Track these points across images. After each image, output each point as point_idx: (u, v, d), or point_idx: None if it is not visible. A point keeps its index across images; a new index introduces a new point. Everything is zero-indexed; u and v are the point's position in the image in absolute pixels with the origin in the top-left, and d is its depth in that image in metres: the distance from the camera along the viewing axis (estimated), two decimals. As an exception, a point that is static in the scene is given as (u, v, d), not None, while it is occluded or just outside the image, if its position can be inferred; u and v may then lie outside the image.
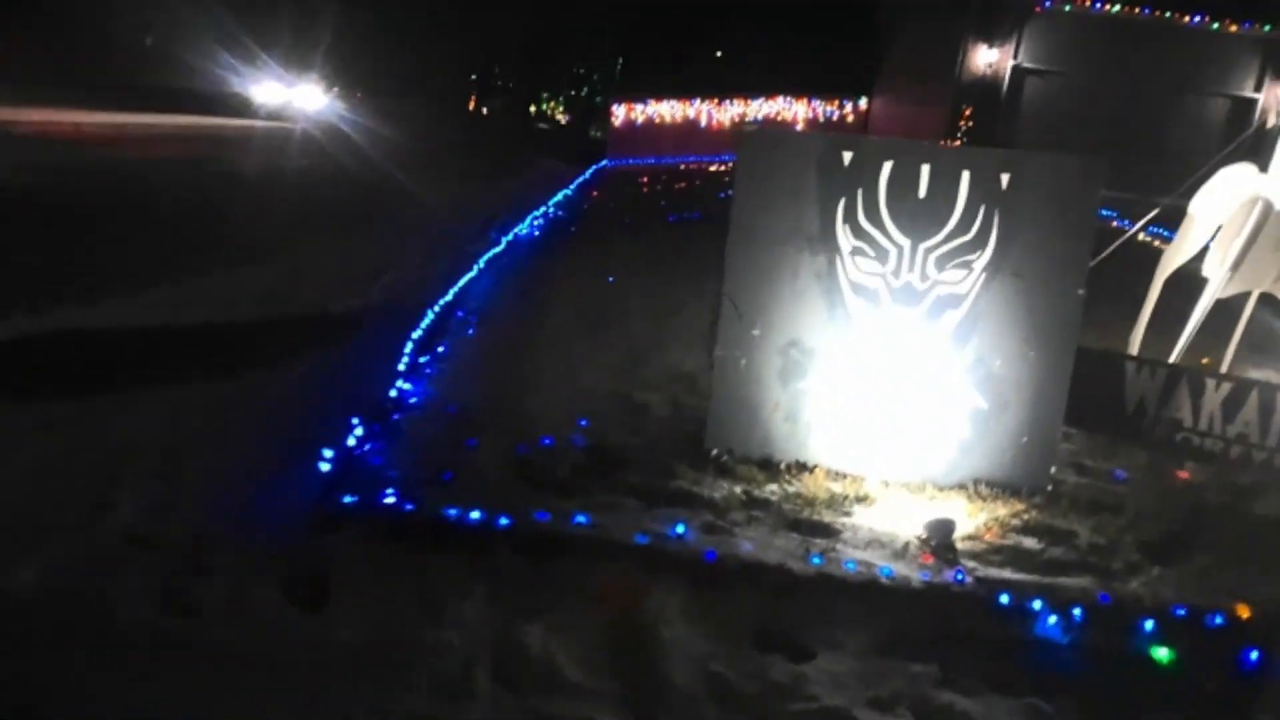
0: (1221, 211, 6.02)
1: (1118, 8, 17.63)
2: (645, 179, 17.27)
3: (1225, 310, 6.18)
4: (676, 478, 4.67)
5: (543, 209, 12.49)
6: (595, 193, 15.66)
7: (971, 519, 4.51)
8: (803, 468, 4.86)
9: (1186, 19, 17.71)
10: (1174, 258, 6.37)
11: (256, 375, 5.71)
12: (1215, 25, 17.85)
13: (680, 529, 4.15)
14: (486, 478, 4.49)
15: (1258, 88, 18.39)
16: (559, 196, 13.94)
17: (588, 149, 19.94)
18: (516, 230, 10.81)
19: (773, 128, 18.14)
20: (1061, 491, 4.83)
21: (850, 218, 4.69)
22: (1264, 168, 5.96)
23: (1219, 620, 3.83)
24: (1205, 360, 6.38)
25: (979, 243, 4.65)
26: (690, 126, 19.16)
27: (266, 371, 5.78)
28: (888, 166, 4.62)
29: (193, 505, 4.10)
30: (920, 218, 4.65)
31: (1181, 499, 4.89)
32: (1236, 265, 5.84)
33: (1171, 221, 7.11)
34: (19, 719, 2.87)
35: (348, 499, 4.09)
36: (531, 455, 4.76)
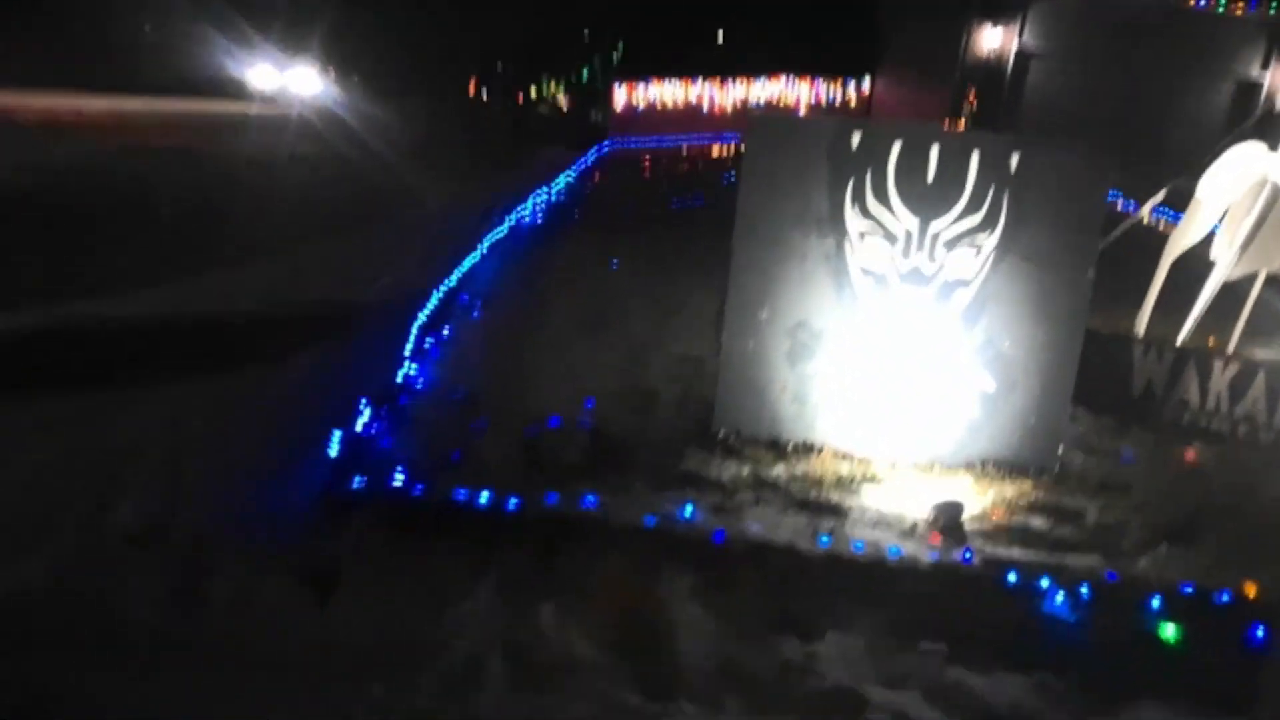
0: (1230, 193, 6.00)
1: (1123, -12, 17.49)
2: (647, 161, 17.20)
3: (1231, 292, 6.17)
4: (684, 459, 4.68)
5: (544, 193, 12.44)
6: (597, 176, 15.60)
7: (979, 499, 4.53)
8: (810, 449, 4.87)
9: (1192, 1, 17.58)
10: (1181, 240, 6.35)
11: (259, 369, 5.65)
12: (1221, 7, 17.72)
13: (689, 510, 4.17)
14: (495, 460, 4.50)
15: (1264, 68, 18.27)
16: (561, 181, 13.88)
17: (588, 131, 19.83)
18: (520, 215, 10.77)
19: (778, 111, 18.04)
20: (1069, 472, 4.85)
21: (859, 200, 4.68)
22: (1274, 146, 5.93)
23: (1226, 598, 3.86)
24: (1212, 342, 6.37)
25: (988, 224, 4.65)
26: (692, 108, 19.05)
27: (269, 366, 5.71)
28: (897, 149, 4.61)
29: (201, 497, 4.11)
30: (929, 200, 4.64)
31: (1189, 479, 4.91)
32: (1245, 246, 5.83)
33: (1173, 204, 7.11)
34: (25, 717, 2.87)
35: (358, 481, 4.11)
36: (539, 438, 4.77)
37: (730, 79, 19.26)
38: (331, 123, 17.20)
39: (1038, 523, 4.36)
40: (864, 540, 4.06)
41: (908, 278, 4.72)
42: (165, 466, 4.30)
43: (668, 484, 4.41)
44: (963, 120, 18.11)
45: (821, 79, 19.40)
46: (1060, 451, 4.91)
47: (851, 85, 19.57)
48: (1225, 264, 5.96)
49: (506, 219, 10.20)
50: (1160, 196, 6.73)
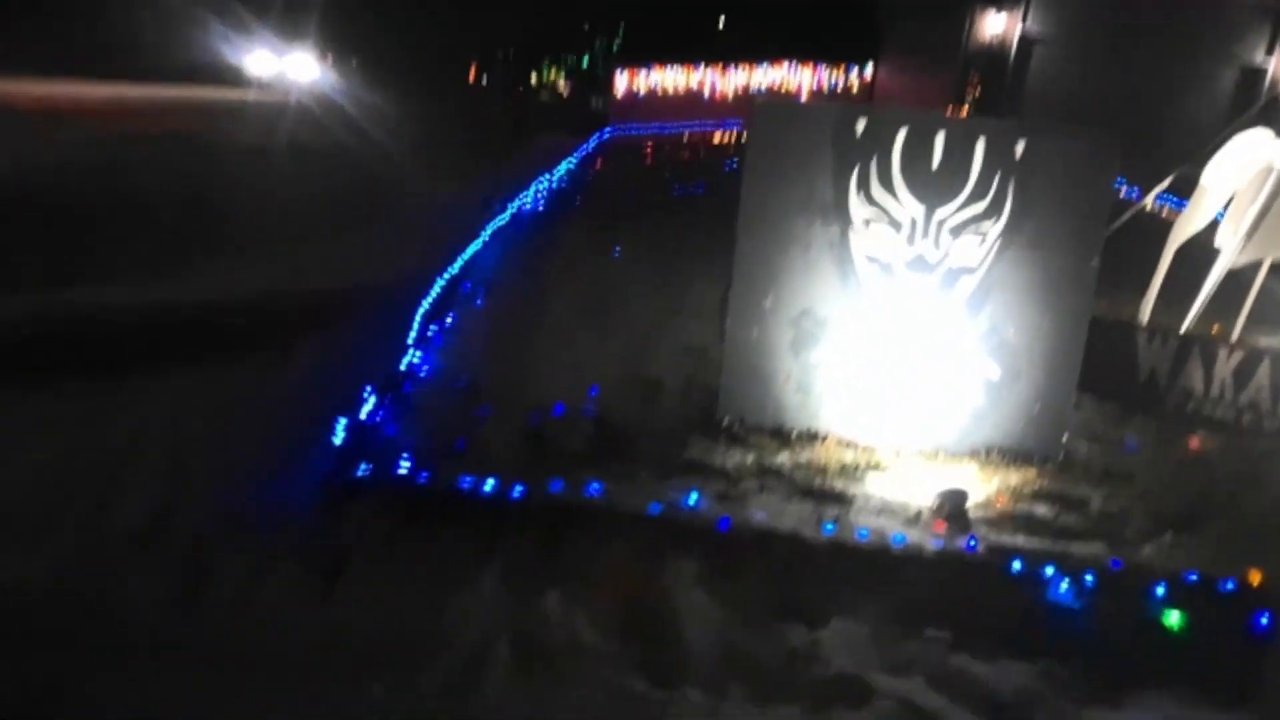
0: (1236, 180, 5.98)
1: (1127, -27, 17.39)
2: (648, 148, 17.15)
3: (1234, 280, 6.16)
4: (688, 447, 4.69)
5: (545, 180, 12.41)
6: (598, 163, 15.56)
7: (983, 487, 4.54)
8: (814, 437, 4.87)
9: (1196, -14, 17.48)
10: (1186, 227, 6.33)
11: (262, 358, 5.62)
12: (1225, -9, 17.61)
13: (694, 498, 4.17)
14: (499, 448, 4.50)
15: (1268, 54, 18.18)
16: (562, 168, 13.85)
17: (589, 118, 19.75)
18: (522, 202, 10.74)
19: (782, 97, 17.97)
20: (1073, 460, 4.85)
21: (864, 187, 4.66)
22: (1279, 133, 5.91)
23: (1230, 586, 3.86)
24: (1215, 329, 6.36)
25: (993, 212, 4.63)
26: (693, 94, 18.99)
27: (272, 355, 5.67)
28: (902, 135, 4.59)
29: (204, 489, 4.10)
30: (934, 187, 4.62)
31: (1193, 467, 4.91)
32: (1250, 234, 5.82)
33: (1176, 191, 7.08)
34: (26, 715, 2.87)
35: (362, 470, 4.11)
36: (543, 426, 4.77)
37: (732, 65, 19.19)
38: (330, 110, 17.14)
39: (1042, 510, 4.36)
40: (868, 528, 4.06)
41: (912, 265, 4.71)
42: (168, 458, 4.29)
43: (672, 472, 4.41)
44: (965, 107, 18.05)
45: (824, 65, 19.32)
46: (1064, 439, 4.92)
47: (854, 71, 19.50)
48: (1230, 251, 5.95)
49: (508, 206, 10.16)
50: (1166, 183, 6.71)
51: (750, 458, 4.63)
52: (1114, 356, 5.59)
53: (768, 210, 4.76)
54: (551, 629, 3.45)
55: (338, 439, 4.34)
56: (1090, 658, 3.51)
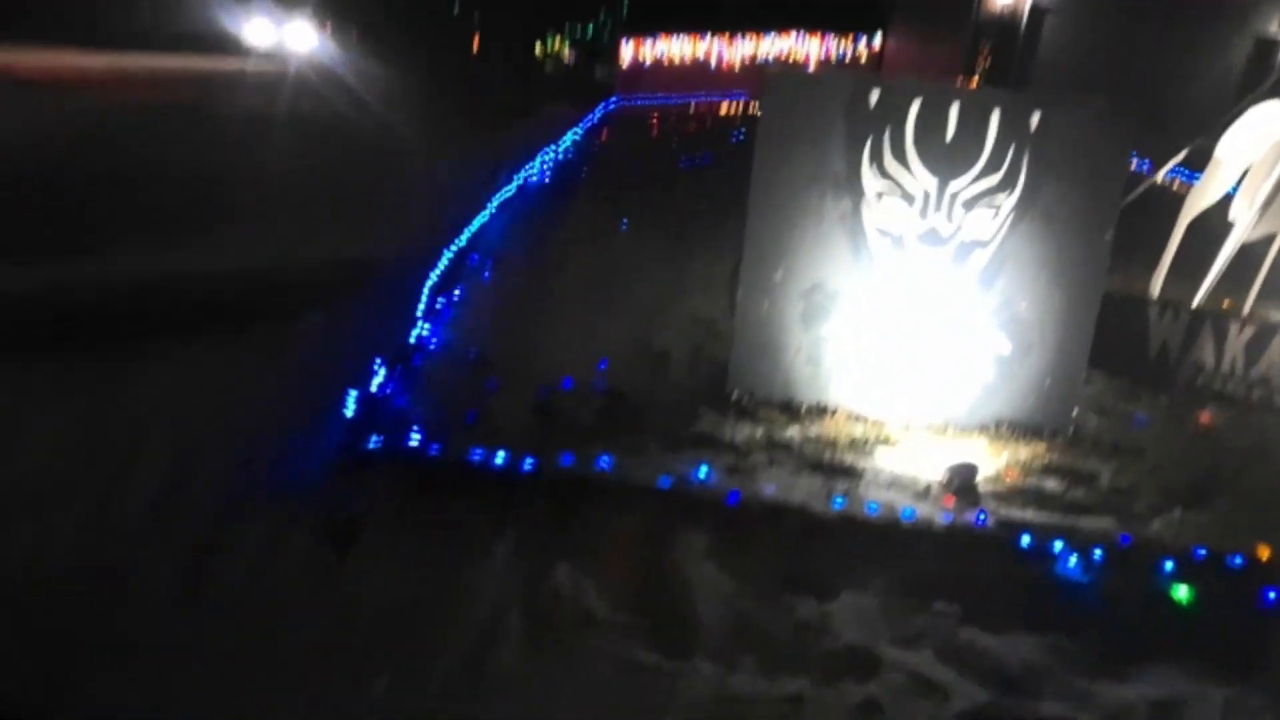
0: (1251, 153, 5.92)
1: (1139, -59, 17.12)
2: (655, 119, 17.01)
3: (1245, 254, 6.12)
4: (698, 421, 4.69)
5: (551, 152, 12.32)
6: (604, 135, 15.45)
7: (993, 461, 4.54)
8: (824, 411, 4.87)
9: (1209, -46, 17.20)
10: (1199, 200, 6.28)
11: (270, 329, 5.61)
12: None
13: (703, 472, 4.18)
14: (509, 421, 4.51)
15: (1281, 27, 17.92)
16: (567, 139, 13.75)
17: (595, 88, 19.59)
18: (527, 173, 10.68)
19: (793, 67, 17.80)
20: (1083, 434, 4.85)
21: (876, 159, 4.62)
22: (1295, 106, 5.84)
23: (1239, 561, 3.87)
24: (1227, 304, 6.33)
25: (1007, 184, 4.59)
26: (700, 64, 18.82)
27: (280, 326, 5.66)
28: (916, 106, 4.54)
29: (220, 458, 4.10)
30: (948, 159, 4.58)
31: (1203, 442, 4.91)
32: (1265, 207, 5.77)
33: (1189, 164, 7.01)
34: (58, 671, 2.89)
35: (374, 442, 4.11)
36: (553, 399, 4.77)
37: (739, 35, 18.98)
38: (329, 80, 16.96)
39: (1052, 485, 4.37)
40: (878, 502, 4.07)
41: (925, 238, 4.68)
42: (180, 430, 4.30)
43: (682, 445, 4.42)
44: (975, 77, 17.87)
45: (831, 35, 19.11)
46: (1075, 414, 4.91)
47: (862, 41, 19.30)
48: (1244, 225, 5.90)
49: (514, 179, 10.11)
50: (1181, 156, 6.65)
51: (760, 431, 4.64)
52: (1125, 331, 5.57)
53: (779, 182, 4.72)
54: (562, 601, 3.46)
55: (349, 411, 4.34)
56: (1099, 632, 3.52)
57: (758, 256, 4.79)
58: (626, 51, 18.68)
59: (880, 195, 4.66)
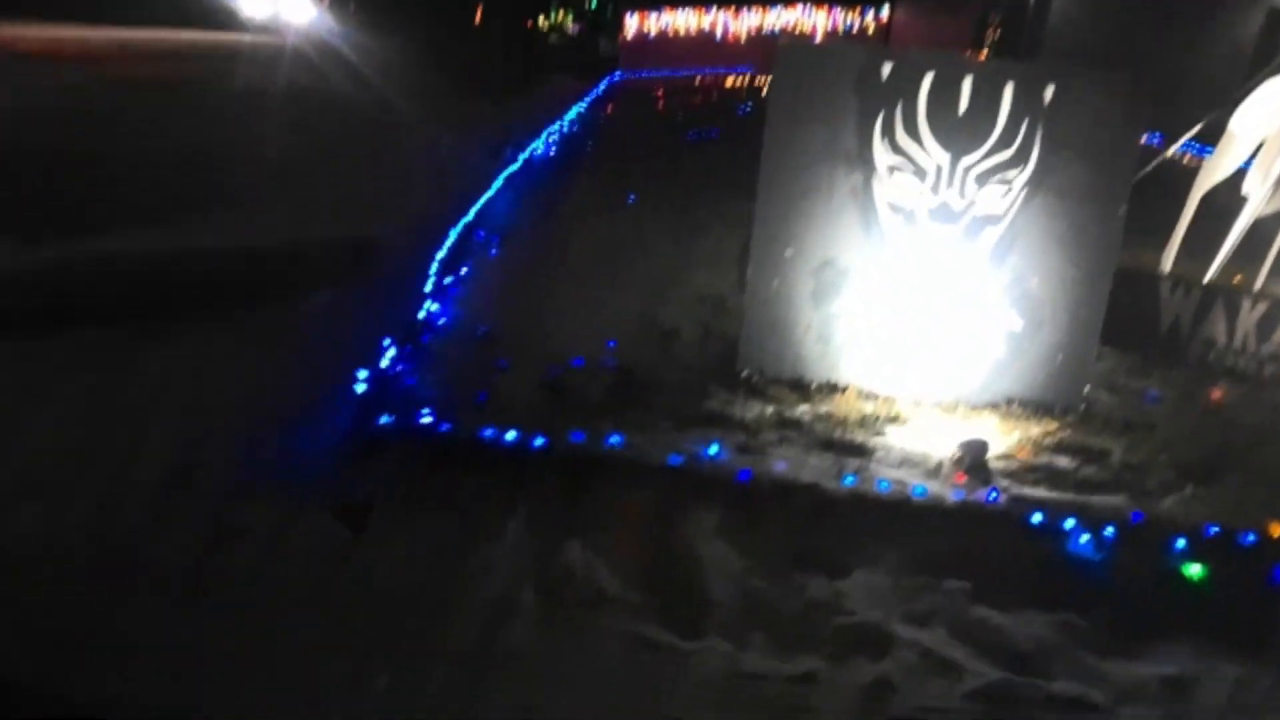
0: (1265, 127, 5.85)
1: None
2: (660, 93, 16.87)
3: (1257, 229, 6.07)
4: (708, 399, 4.67)
5: (557, 126, 12.24)
6: (609, 108, 15.34)
7: (1004, 438, 4.53)
8: (834, 388, 4.86)
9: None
10: (1212, 174, 6.22)
11: (277, 307, 5.59)
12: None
13: (714, 449, 4.17)
14: (520, 399, 4.50)
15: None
16: (572, 113, 13.65)
17: (599, 62, 19.41)
18: (533, 148, 10.61)
19: (802, 39, 17.61)
20: (1095, 411, 4.83)
21: (888, 134, 4.57)
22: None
23: (1251, 538, 3.86)
24: (1238, 280, 6.28)
25: (1020, 159, 4.54)
26: (705, 37, 18.63)
27: (286, 303, 5.64)
28: (928, 80, 4.48)
29: (231, 436, 4.10)
30: (960, 133, 4.53)
31: (1215, 418, 4.89)
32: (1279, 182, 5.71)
33: (1199, 138, 6.93)
34: (67, 656, 2.91)
35: (385, 420, 4.11)
36: (563, 377, 4.76)
37: (745, 7, 18.78)
38: (327, 54, 16.76)
39: (1063, 462, 4.35)
40: (889, 479, 4.06)
41: (936, 214, 4.64)
42: (191, 410, 4.30)
43: (692, 423, 4.41)
44: (985, 50, 17.68)
45: (839, 6, 18.91)
46: (1086, 390, 4.89)
47: (870, 13, 19.08)
48: (1258, 199, 5.85)
49: (519, 154, 10.05)
50: (1196, 130, 6.58)
51: (770, 409, 4.62)
52: (1136, 307, 5.54)
53: (790, 158, 4.68)
54: (573, 579, 3.47)
55: (360, 389, 4.34)
56: (1111, 610, 3.52)
57: (768, 233, 4.76)
58: (631, 24, 18.49)
59: (892, 170, 4.62)
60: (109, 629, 3.02)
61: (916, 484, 4.06)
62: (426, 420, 4.14)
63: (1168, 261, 6.23)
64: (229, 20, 19.84)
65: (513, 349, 5.02)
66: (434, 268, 6.06)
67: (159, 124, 10.07)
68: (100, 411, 4.24)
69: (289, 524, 3.54)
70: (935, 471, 4.20)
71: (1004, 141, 4.52)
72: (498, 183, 8.73)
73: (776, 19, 18.77)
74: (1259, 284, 5.98)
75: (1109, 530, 3.85)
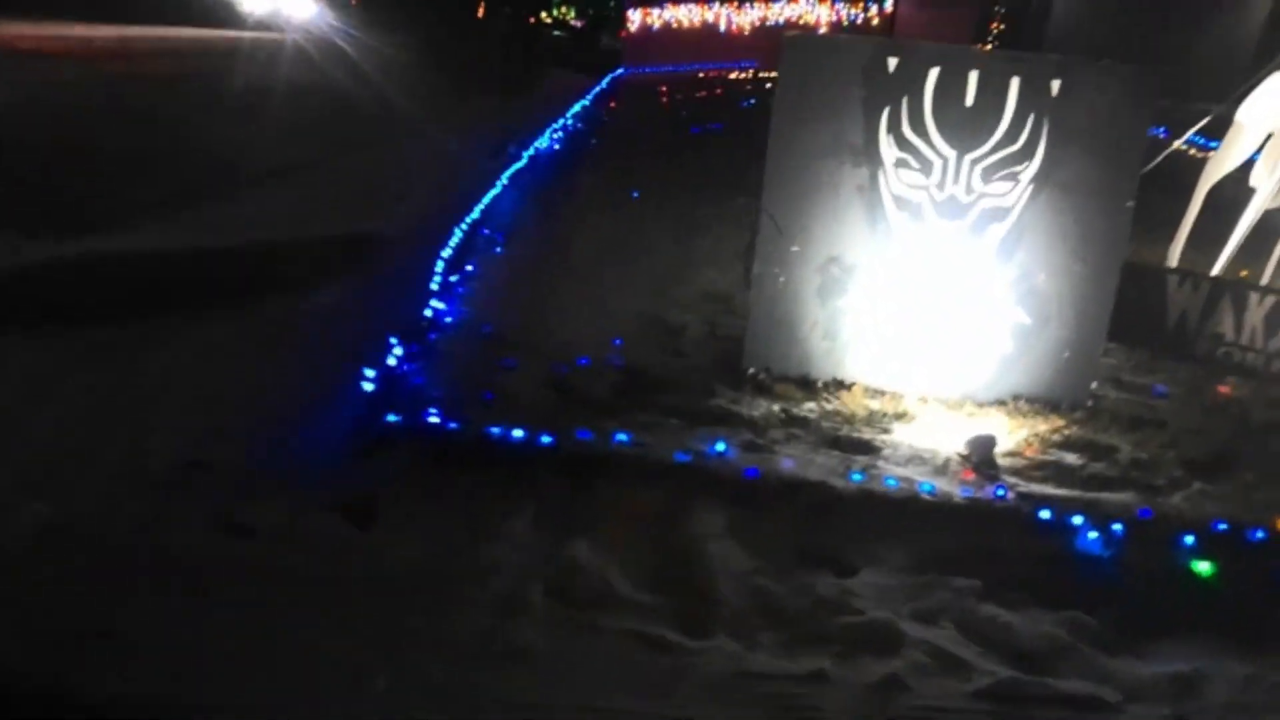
0: (1273, 118, 5.81)
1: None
2: (664, 88, 16.83)
3: (1264, 222, 6.04)
4: (715, 397, 4.66)
5: (561, 122, 12.23)
6: (613, 104, 15.31)
7: (1012, 435, 4.51)
8: (841, 385, 4.84)
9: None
10: (1218, 167, 6.19)
11: (281, 303, 5.60)
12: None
13: (721, 447, 4.16)
14: (526, 397, 4.49)
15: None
16: (576, 108, 13.63)
17: (602, 56, 19.37)
18: (536, 145, 10.59)
19: (807, 32, 17.58)
20: (1102, 407, 4.81)
21: (894, 128, 4.55)
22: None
23: (1260, 535, 3.84)
24: (1244, 273, 6.26)
25: (1027, 153, 4.52)
26: (709, 31, 18.57)
27: (291, 299, 5.65)
28: (934, 74, 4.46)
29: (236, 433, 4.10)
30: (967, 127, 4.50)
31: (1223, 414, 4.87)
32: (1288, 175, 5.68)
33: (1205, 131, 6.90)
34: (77, 647, 2.91)
35: (391, 419, 4.10)
36: (569, 375, 4.75)
37: (749, 1, 18.73)
38: (327, 51, 16.69)
39: (1071, 459, 4.33)
40: (896, 477, 4.04)
41: (943, 209, 4.62)
42: (198, 405, 4.30)
43: (699, 421, 4.39)
44: (988, 44, 17.62)
45: (842, 0, 18.85)
46: (1093, 386, 4.87)
47: (874, 6, 19.01)
48: (1266, 192, 5.82)
49: (522, 152, 10.04)
50: (1204, 123, 6.55)
51: (777, 407, 4.61)
52: (1143, 301, 5.51)
53: (796, 153, 4.65)
54: (580, 577, 3.46)
55: (367, 386, 4.33)
56: (1119, 607, 3.51)
57: (775, 229, 4.73)
58: (634, 19, 18.45)
59: (898, 165, 4.59)
60: (109, 628, 3.02)
61: (924, 481, 4.04)
62: (434, 418, 4.13)
63: (1175, 255, 6.21)
64: (229, 17, 19.80)
65: (518, 347, 5.01)
66: (438, 266, 6.05)
67: (159, 120, 10.05)
68: (101, 409, 4.23)
69: (293, 522, 3.53)
70: (943, 468, 4.18)
71: (1011, 135, 4.50)
72: (500, 180, 8.72)
73: (780, 12, 18.72)
74: (1267, 277, 5.96)
75: (1117, 527, 3.83)
